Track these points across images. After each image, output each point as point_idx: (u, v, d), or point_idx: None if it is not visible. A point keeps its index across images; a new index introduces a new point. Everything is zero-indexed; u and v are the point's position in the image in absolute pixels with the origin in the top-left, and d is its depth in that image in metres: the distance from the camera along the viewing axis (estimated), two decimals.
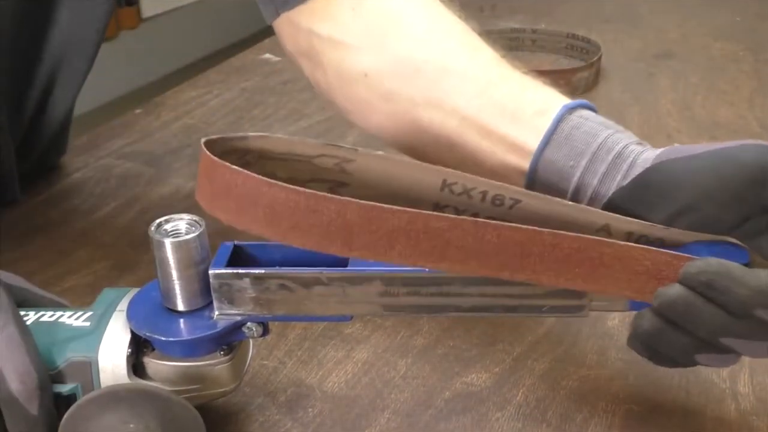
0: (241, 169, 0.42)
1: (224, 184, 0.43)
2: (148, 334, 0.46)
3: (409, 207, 0.44)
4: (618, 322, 0.62)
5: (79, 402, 0.43)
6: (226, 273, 0.45)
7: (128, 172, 0.86)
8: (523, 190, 0.48)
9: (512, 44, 1.23)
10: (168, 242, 0.45)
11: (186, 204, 0.80)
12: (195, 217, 0.47)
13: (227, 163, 0.42)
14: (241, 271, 0.45)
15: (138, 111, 1.02)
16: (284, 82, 1.08)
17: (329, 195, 0.41)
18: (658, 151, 0.48)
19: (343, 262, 0.45)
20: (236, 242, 0.48)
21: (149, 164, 0.88)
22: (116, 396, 0.42)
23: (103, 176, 0.85)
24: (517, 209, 0.47)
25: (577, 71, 1.07)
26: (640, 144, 0.49)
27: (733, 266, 0.42)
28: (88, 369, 0.47)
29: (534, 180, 0.52)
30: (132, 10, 2.87)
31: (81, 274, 0.69)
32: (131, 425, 0.41)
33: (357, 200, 0.41)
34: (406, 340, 0.61)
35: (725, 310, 0.43)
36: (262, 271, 0.45)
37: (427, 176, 0.48)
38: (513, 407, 0.55)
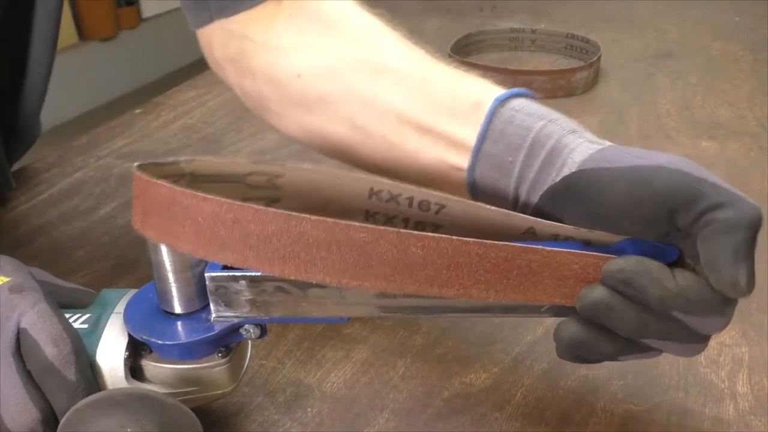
0: (166, 183, 0.42)
1: (153, 201, 0.43)
2: (145, 337, 0.46)
3: (340, 216, 0.44)
4: None
5: (76, 406, 0.43)
6: (222, 276, 0.45)
7: (128, 172, 0.86)
8: (447, 195, 0.47)
9: (512, 44, 1.23)
10: (164, 245, 0.45)
11: None
12: None
13: (154, 179, 0.43)
14: (237, 273, 0.45)
15: (138, 111, 1.02)
16: None
17: (248, 204, 0.41)
18: (589, 150, 0.46)
19: None
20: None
21: None
22: (113, 400, 0.42)
23: (103, 176, 0.85)
24: (444, 214, 0.48)
25: (576, 71, 1.07)
26: (573, 133, 0.48)
27: (653, 265, 0.42)
28: None
29: (475, 177, 0.50)
30: (132, 10, 2.87)
31: (81, 274, 0.69)
32: (128, 429, 0.41)
33: (275, 209, 0.41)
34: (405, 340, 0.61)
35: (645, 309, 0.42)
36: (259, 274, 0.45)
37: (354, 185, 0.48)
38: (512, 407, 0.55)
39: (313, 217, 0.40)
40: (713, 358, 0.59)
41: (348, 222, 0.41)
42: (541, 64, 1.18)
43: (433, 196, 0.47)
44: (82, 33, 2.68)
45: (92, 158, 0.89)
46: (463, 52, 1.17)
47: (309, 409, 0.55)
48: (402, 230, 0.41)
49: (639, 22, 1.36)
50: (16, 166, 0.86)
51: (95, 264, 0.70)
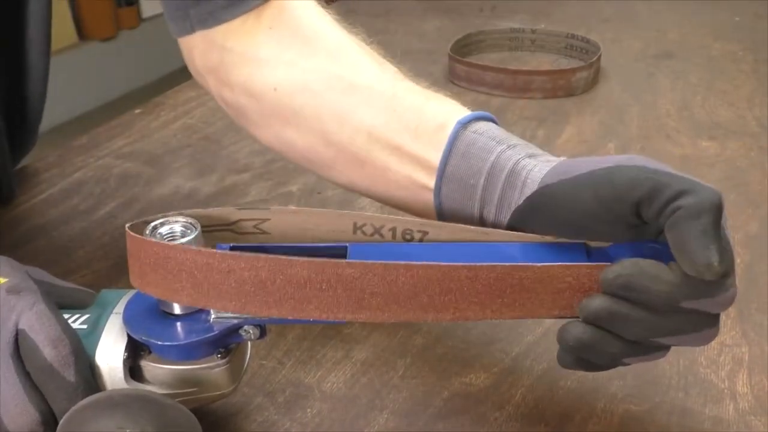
0: (159, 240, 0.44)
1: (148, 259, 0.44)
2: (144, 337, 0.46)
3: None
4: None
5: (75, 407, 0.43)
6: None
7: (128, 172, 0.87)
8: (428, 221, 0.48)
9: (512, 44, 1.23)
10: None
11: (185, 204, 0.80)
12: (190, 220, 0.47)
13: (145, 238, 0.44)
14: None
15: (138, 111, 1.02)
16: None
17: (239, 253, 0.43)
18: (547, 168, 0.47)
19: None
20: (232, 244, 0.48)
21: (148, 164, 0.88)
22: (112, 401, 0.42)
23: (103, 176, 0.85)
24: (428, 240, 0.48)
25: (576, 71, 1.07)
26: (531, 157, 0.49)
27: (648, 264, 0.42)
28: None
29: (441, 198, 0.52)
30: (132, 10, 2.87)
31: (81, 273, 0.69)
32: (127, 430, 0.41)
33: (265, 255, 0.43)
34: (404, 340, 0.61)
35: (651, 309, 0.43)
36: None
37: (339, 221, 0.49)
38: (512, 407, 0.55)
39: (302, 259, 0.42)
40: (713, 358, 0.59)
41: (335, 260, 0.43)
42: (541, 64, 1.18)
43: (415, 223, 0.48)
44: (82, 33, 2.68)
45: (92, 158, 0.89)
46: (463, 52, 1.17)
47: (309, 410, 0.55)
48: (389, 262, 0.43)
49: (639, 22, 1.36)
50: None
51: (95, 264, 0.70)
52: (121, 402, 0.42)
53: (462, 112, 0.52)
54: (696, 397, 0.56)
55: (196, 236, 0.46)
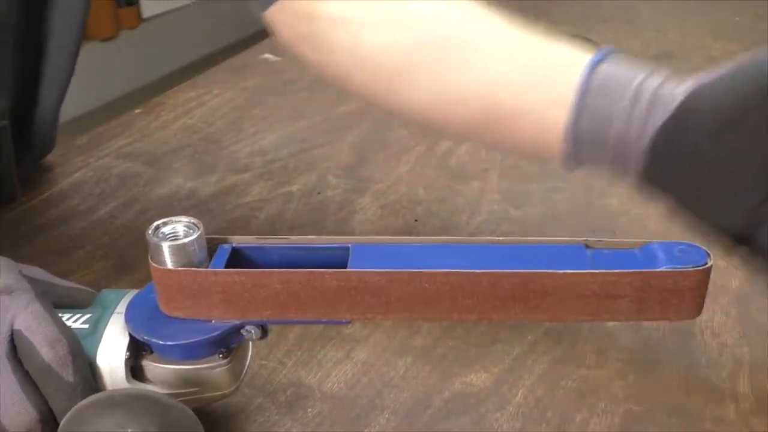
0: (188, 268, 0.45)
1: (176, 286, 0.46)
2: (146, 337, 0.46)
3: None
4: (617, 323, 0.62)
5: (76, 407, 0.43)
6: None
7: (128, 172, 0.87)
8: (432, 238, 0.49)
9: None
10: (165, 246, 0.45)
11: (185, 204, 0.80)
12: (193, 220, 0.47)
13: (169, 268, 0.45)
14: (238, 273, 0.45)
15: (138, 111, 1.02)
16: (284, 82, 1.08)
17: (271, 270, 0.45)
18: (688, 83, 0.45)
19: (341, 264, 0.45)
20: (234, 244, 0.48)
21: (148, 164, 0.88)
22: (113, 401, 0.42)
23: (103, 176, 0.85)
24: None
25: None
26: (673, 81, 0.47)
27: None
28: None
29: (577, 131, 0.49)
30: (132, 10, 2.88)
31: (81, 274, 0.69)
32: (129, 430, 0.41)
33: (296, 269, 0.45)
34: (405, 340, 0.61)
35: None
36: None
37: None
38: (512, 407, 0.55)
39: (331, 270, 0.44)
40: (714, 358, 0.59)
41: (362, 270, 0.44)
42: None
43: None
44: (83, 33, 2.68)
45: (92, 158, 0.89)
46: None
47: (309, 410, 0.55)
48: (413, 270, 0.44)
49: (639, 22, 1.36)
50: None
51: (95, 264, 0.70)
52: (122, 401, 0.42)
53: (590, 50, 0.50)
54: (697, 397, 0.56)
55: (198, 236, 0.46)
